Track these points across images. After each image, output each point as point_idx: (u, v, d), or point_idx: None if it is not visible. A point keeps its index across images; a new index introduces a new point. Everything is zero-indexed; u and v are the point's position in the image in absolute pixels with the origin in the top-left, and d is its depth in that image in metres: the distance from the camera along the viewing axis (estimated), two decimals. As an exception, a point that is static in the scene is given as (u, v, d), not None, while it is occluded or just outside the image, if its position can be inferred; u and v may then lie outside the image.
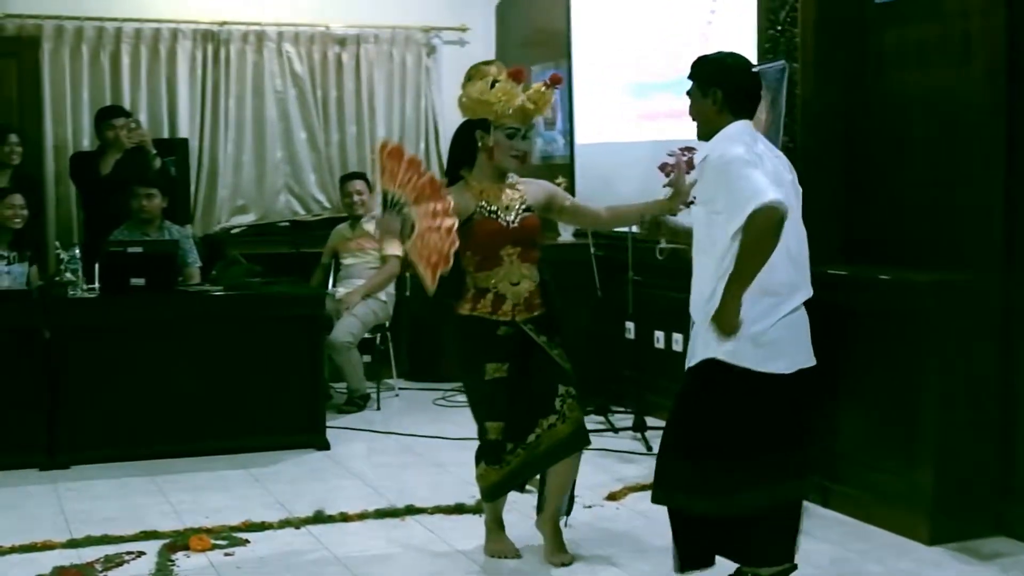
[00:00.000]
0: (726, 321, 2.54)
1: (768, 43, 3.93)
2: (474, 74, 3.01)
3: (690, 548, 2.72)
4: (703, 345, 2.65)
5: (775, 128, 3.76)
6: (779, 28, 3.88)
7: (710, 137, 2.70)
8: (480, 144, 3.01)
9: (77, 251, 4.51)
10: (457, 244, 2.82)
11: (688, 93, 2.78)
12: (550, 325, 3.08)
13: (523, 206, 3.06)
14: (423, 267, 2.83)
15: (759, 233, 2.47)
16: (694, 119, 2.78)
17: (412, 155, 2.99)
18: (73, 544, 3.35)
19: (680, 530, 2.71)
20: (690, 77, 2.77)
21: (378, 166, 2.96)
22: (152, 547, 3.33)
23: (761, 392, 2.60)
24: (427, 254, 2.83)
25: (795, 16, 3.81)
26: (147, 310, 4.39)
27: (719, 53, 2.83)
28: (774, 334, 2.59)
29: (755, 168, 2.54)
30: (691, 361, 2.73)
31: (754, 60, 3.75)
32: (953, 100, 3.40)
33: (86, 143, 5.64)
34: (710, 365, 2.63)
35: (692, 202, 2.84)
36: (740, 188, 2.50)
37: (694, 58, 2.81)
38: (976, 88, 3.30)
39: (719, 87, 2.68)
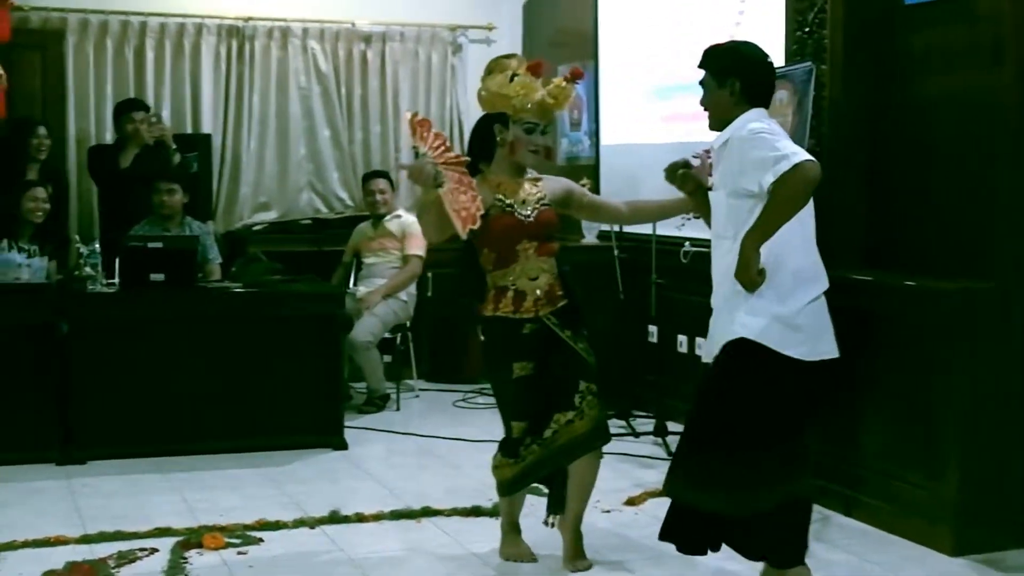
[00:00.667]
0: (745, 272, 2.52)
1: (796, 44, 3.91)
2: (494, 67, 2.99)
3: (691, 535, 2.72)
4: (727, 324, 2.63)
5: (801, 130, 3.73)
6: (807, 30, 3.85)
7: (723, 127, 2.69)
8: (499, 139, 2.98)
9: (97, 246, 4.52)
10: (483, 210, 2.82)
11: (701, 83, 2.76)
12: (574, 318, 3.04)
13: (540, 200, 3.03)
14: (454, 215, 2.81)
15: (796, 186, 2.47)
16: (707, 109, 2.76)
17: (439, 131, 2.97)
18: (86, 540, 3.35)
19: (685, 517, 2.70)
20: (703, 67, 2.75)
21: (408, 129, 2.93)
22: (165, 544, 3.31)
23: (782, 380, 2.59)
24: (458, 208, 2.81)
25: (823, 18, 3.77)
26: (166, 306, 4.39)
27: (732, 43, 2.83)
28: (801, 319, 2.59)
29: (785, 139, 2.57)
30: (712, 349, 2.71)
31: (781, 61, 3.83)
32: (982, 104, 3.34)
33: (108, 137, 5.62)
34: (734, 351, 2.61)
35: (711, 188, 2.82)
36: (772, 150, 2.50)
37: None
38: (1006, 92, 3.23)
39: (737, 77, 2.67)
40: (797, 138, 3.45)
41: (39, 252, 4.74)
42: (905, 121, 3.67)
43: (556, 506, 3.16)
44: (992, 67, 3.28)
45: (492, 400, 3.69)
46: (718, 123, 2.73)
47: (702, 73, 2.77)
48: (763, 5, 4.20)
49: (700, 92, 2.79)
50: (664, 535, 2.76)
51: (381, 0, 6.18)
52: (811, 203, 2.64)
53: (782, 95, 3.70)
